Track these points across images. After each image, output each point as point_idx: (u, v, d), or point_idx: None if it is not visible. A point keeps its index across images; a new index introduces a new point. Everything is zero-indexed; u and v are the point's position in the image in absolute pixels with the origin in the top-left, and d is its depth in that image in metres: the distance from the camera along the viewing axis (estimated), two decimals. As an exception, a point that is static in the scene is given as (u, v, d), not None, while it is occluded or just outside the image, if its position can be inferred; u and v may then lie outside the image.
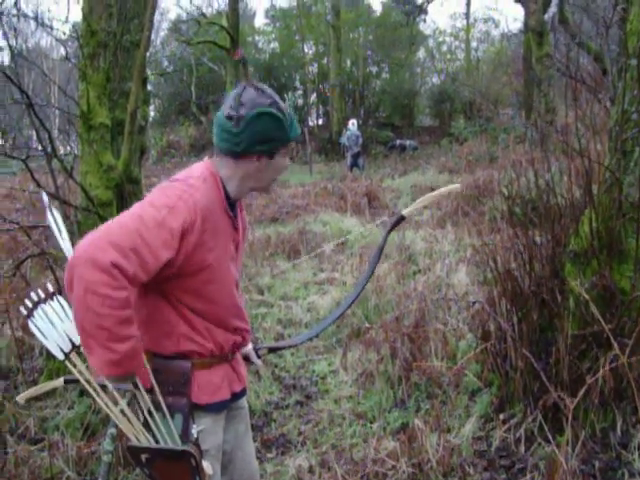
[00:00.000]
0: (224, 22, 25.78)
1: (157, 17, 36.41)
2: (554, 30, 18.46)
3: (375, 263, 2.83)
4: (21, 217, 10.10)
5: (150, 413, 2.18)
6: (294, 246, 9.73)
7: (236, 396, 2.44)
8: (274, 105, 2.24)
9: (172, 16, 43.66)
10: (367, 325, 5.62)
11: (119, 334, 1.97)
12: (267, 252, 9.61)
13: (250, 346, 2.63)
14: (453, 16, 67.97)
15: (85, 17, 5.13)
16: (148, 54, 5.69)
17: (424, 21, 39.29)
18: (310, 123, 35.53)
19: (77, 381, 2.30)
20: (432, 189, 13.86)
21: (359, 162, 21.10)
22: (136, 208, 2.09)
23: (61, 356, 2.24)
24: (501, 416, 3.98)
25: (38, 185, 4.52)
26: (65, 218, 5.24)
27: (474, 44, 40.32)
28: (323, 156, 28.04)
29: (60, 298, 2.29)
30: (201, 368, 2.28)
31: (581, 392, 3.34)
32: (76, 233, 5.10)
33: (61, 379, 2.46)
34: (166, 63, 36.00)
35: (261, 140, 2.24)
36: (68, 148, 7.59)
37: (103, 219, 4.96)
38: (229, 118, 2.22)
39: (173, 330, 2.23)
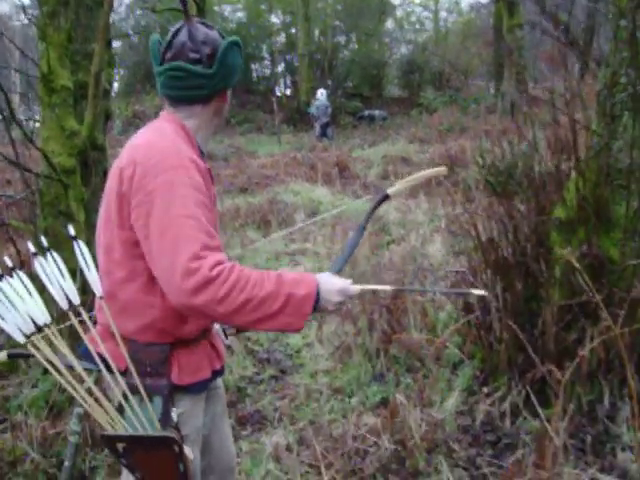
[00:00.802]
0: (190, -11, 25.22)
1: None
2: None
3: (355, 244, 2.64)
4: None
5: (125, 397, 1.99)
6: (264, 216, 9.54)
7: (216, 374, 2.24)
8: (233, 39, 2.13)
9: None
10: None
11: (261, 298, 1.89)
12: (237, 223, 9.41)
13: (217, 325, 2.44)
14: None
15: (44, -27, 4.85)
16: (111, 20, 5.43)
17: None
18: (278, 93, 35.07)
19: (23, 355, 2.09)
20: (403, 159, 13.79)
21: (328, 132, 20.87)
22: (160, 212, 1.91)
23: (22, 339, 2.02)
24: (485, 389, 3.85)
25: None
26: (26, 187, 5.00)
27: (443, 14, 40.12)
28: (291, 126, 27.67)
29: (21, 274, 2.06)
30: (181, 347, 2.08)
31: (572, 365, 3.20)
32: (38, 202, 4.87)
33: (4, 353, 2.23)
34: (131, 32, 35.28)
35: (232, 73, 2.14)
36: (30, 113, 7.27)
37: (66, 187, 4.73)
38: (196, 62, 2.05)
39: (156, 318, 2.02)
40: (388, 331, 4.54)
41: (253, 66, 36.25)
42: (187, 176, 1.91)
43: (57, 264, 1.97)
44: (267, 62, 37.83)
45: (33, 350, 2.01)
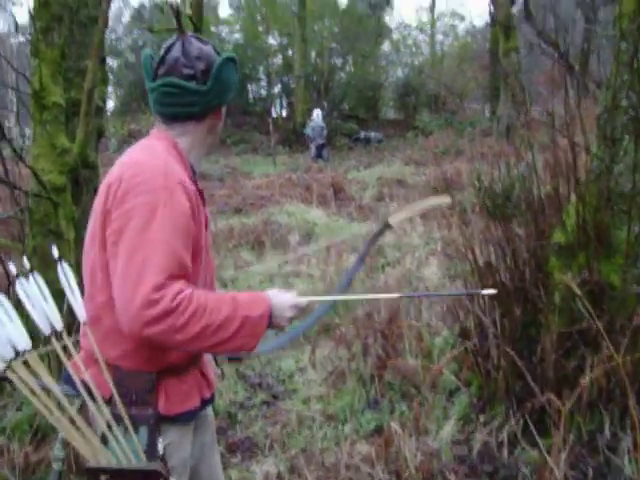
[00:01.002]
0: (187, 10, 25.27)
1: (119, 4, 35.91)
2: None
3: (354, 273, 2.55)
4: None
5: (109, 426, 1.89)
6: (258, 237, 9.45)
7: (205, 403, 2.14)
8: (228, 55, 2.06)
9: (135, 3, 42.96)
10: (337, 321, 5.35)
11: (218, 323, 1.84)
12: (230, 243, 9.31)
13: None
14: (419, 10, 67.99)
15: (38, -12, 4.78)
16: (107, 39, 5.37)
17: (390, 14, 39.31)
18: (274, 114, 35.08)
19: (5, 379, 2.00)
20: (399, 181, 13.73)
21: (323, 154, 20.83)
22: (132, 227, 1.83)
23: (0, 366, 1.91)
24: (481, 418, 3.76)
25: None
26: (15, 205, 4.91)
27: (439, 37, 40.29)
28: (287, 147, 27.64)
29: (0, 297, 1.96)
30: (169, 375, 1.98)
31: (572, 394, 3.11)
32: (27, 220, 4.78)
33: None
34: (128, 51, 35.34)
35: (227, 89, 2.07)
36: (22, 130, 7.18)
37: (56, 205, 4.64)
38: (190, 78, 1.98)
39: (140, 345, 1.90)
40: (383, 356, 4.45)
41: (250, 87, 36.31)
42: (171, 199, 1.83)
43: (39, 286, 1.88)
44: (263, 83, 37.91)
45: (12, 377, 1.91)
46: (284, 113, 36.89)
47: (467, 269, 4.33)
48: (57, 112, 4.79)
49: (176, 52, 1.99)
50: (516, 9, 19.71)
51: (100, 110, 5.33)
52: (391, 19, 43.63)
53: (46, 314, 1.87)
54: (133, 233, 1.79)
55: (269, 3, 35.39)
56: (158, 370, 1.95)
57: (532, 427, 3.39)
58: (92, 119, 4.93)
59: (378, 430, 3.91)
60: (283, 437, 4.03)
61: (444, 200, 2.59)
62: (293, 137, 28.40)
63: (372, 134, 27.05)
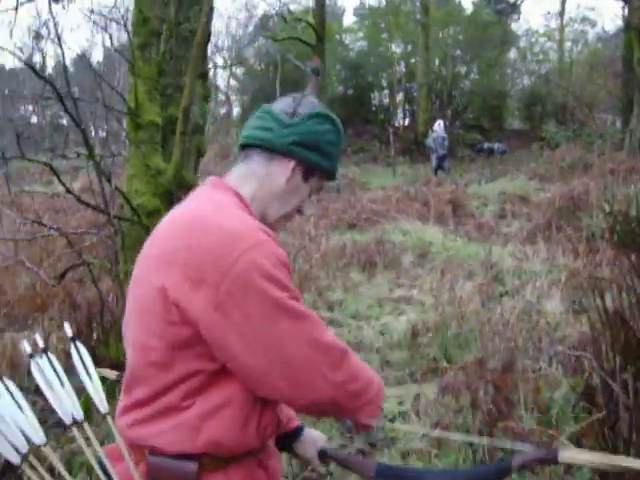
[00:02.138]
0: (310, 19, 25.27)
1: (244, 13, 36.43)
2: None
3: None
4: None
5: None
6: (370, 257, 9.06)
7: None
8: (336, 120, 1.80)
9: (260, 12, 43.59)
10: (445, 365, 4.88)
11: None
12: (341, 262, 8.97)
13: (305, 436, 2.00)
14: (547, 15, 66.04)
15: (137, 3, 4.57)
16: (232, 48, 5.10)
17: (516, 20, 38.25)
18: (395, 123, 34.73)
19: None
20: (521, 198, 13.05)
21: (444, 165, 20.23)
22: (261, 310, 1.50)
23: (17, 459, 1.59)
24: (607, 499, 3.22)
25: (68, 191, 3.97)
26: (111, 227, 4.69)
27: (568, 44, 38.95)
28: (407, 157, 27.23)
29: (9, 384, 1.63)
30: (213, 469, 1.58)
31: None
32: (119, 245, 4.56)
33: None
34: (253, 60, 35.83)
35: (310, 144, 1.72)
36: (116, 150, 7.07)
37: (147, 230, 4.39)
38: (283, 111, 1.72)
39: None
40: (494, 412, 3.95)
41: (372, 95, 36.11)
42: None
43: (54, 367, 1.57)
44: (386, 91, 37.62)
45: (28, 472, 1.59)
46: (406, 122, 36.46)
47: (594, 317, 3.79)
48: (153, 131, 4.58)
49: (292, 96, 1.84)
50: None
51: (200, 128, 5.08)
52: (518, 26, 42.35)
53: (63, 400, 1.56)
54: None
55: (393, 11, 35.19)
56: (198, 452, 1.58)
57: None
58: (190, 138, 4.68)
59: (485, 500, 3.43)
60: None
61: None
62: (414, 147, 27.98)
63: (495, 145, 26.27)
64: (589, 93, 29.23)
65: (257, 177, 1.73)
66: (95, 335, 4.66)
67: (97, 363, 1.72)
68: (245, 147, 1.78)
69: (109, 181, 4.10)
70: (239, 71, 38.55)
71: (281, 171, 1.73)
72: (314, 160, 1.74)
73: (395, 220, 11.79)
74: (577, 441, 3.58)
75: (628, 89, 20.46)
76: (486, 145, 26.63)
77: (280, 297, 1.49)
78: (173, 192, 4.64)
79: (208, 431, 1.53)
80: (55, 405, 1.56)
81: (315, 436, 2.01)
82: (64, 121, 35.73)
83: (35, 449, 1.55)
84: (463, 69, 35.24)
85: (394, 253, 9.26)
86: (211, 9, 4.53)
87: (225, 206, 1.62)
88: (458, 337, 5.50)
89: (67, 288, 5.91)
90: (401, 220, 11.71)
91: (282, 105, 1.76)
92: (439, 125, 20.74)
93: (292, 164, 1.72)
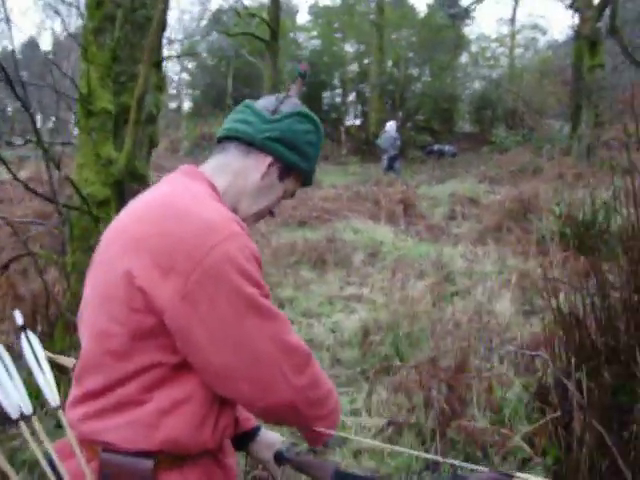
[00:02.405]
0: (265, 15, 25.17)
1: (198, 6, 36.20)
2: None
3: None
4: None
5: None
6: (321, 255, 8.99)
7: None
8: (318, 121, 1.78)
9: (214, 7, 43.27)
10: (398, 363, 4.84)
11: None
12: (292, 259, 8.89)
13: (262, 437, 1.94)
14: (499, 21, 66.83)
15: (92, -15, 4.44)
16: (185, 41, 5.00)
17: (469, 25, 38.64)
18: (347, 123, 34.79)
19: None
20: (471, 200, 13.14)
21: (395, 166, 20.26)
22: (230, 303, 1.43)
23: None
24: (560, 497, 3.22)
25: (15, 179, 3.83)
26: (59, 216, 4.55)
27: (519, 50, 39.49)
28: (359, 157, 27.27)
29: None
30: (169, 467, 1.50)
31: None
32: (67, 235, 4.43)
33: None
34: (205, 54, 35.56)
35: (289, 142, 1.69)
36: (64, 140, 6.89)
37: (97, 220, 4.27)
38: (265, 108, 1.70)
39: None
40: (447, 411, 3.93)
41: (324, 94, 36.13)
42: None
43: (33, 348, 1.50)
44: (338, 91, 37.69)
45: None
46: (357, 122, 36.56)
47: (549, 319, 3.79)
48: (105, 119, 4.44)
49: (276, 95, 1.83)
50: (601, 23, 18.84)
51: (153, 118, 4.95)
52: (470, 30, 42.83)
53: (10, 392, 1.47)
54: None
55: (347, 10, 35.22)
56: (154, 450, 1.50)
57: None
58: (143, 127, 4.56)
59: (437, 500, 3.41)
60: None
61: None
62: (365, 147, 28.04)
63: (446, 147, 26.50)
64: (539, 99, 29.63)
65: (232, 170, 1.68)
66: (40, 328, 4.52)
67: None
68: (223, 140, 1.74)
69: (58, 168, 3.97)
70: (190, 65, 38.26)
71: (257, 166, 1.69)
72: (291, 159, 1.71)
73: (346, 219, 11.75)
74: (530, 440, 3.58)
75: (577, 96, 20.77)
76: (436, 147, 26.84)
77: (251, 293, 1.43)
78: (124, 182, 4.52)
79: (166, 428, 1.46)
80: (1, 398, 1.47)
81: (271, 437, 1.95)
82: (9, 109, 35.01)
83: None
84: (416, 71, 35.47)
85: (345, 251, 9.22)
86: (167, -5, 4.44)
87: (201, 196, 1.56)
88: (410, 336, 5.48)
89: (10, 279, 5.73)
90: (352, 219, 11.67)
91: (265, 102, 1.74)
92: (391, 126, 20.77)
93: (269, 160, 1.69)
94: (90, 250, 4.38)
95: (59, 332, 4.45)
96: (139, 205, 1.58)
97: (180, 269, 1.38)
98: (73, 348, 4.13)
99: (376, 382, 4.66)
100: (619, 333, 3.28)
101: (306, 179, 1.80)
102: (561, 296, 3.75)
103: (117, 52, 4.51)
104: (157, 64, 4.86)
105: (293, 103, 1.74)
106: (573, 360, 3.33)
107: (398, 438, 3.99)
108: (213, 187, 1.63)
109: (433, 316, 5.92)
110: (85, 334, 1.56)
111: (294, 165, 1.72)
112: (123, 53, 4.65)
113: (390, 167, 20.14)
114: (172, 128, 30.78)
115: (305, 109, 1.74)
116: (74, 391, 1.55)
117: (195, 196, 1.54)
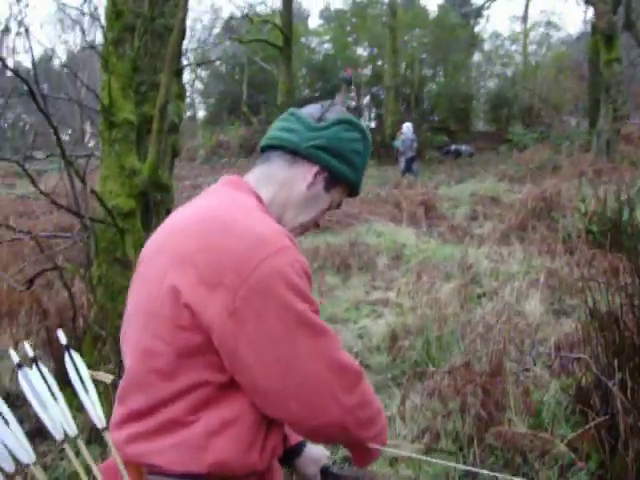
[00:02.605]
0: (277, 21, 25.18)
1: (210, 15, 36.26)
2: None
3: None
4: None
5: None
6: (345, 259, 8.93)
7: None
8: (365, 130, 1.72)
9: (225, 14, 43.35)
10: (431, 368, 4.76)
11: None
12: (315, 265, 8.83)
13: (307, 452, 1.87)
14: (512, 18, 66.64)
15: (110, -4, 4.40)
16: (198, 50, 4.96)
17: (480, 23, 38.53)
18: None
19: None
20: (492, 198, 13.03)
21: (413, 167, 20.17)
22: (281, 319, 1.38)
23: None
24: (605, 503, 3.14)
25: (41, 192, 3.80)
26: (84, 229, 4.52)
27: (532, 47, 39.36)
28: (375, 160, 27.18)
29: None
30: None
31: None
32: (92, 247, 4.39)
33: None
34: (218, 62, 35.65)
35: (335, 150, 1.62)
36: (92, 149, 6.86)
37: (122, 232, 4.23)
38: (311, 115, 1.65)
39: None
40: (484, 416, 3.85)
41: (338, 98, 36.07)
42: None
43: (46, 380, 1.44)
44: (352, 94, 37.62)
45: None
46: (373, 125, 36.47)
47: (584, 318, 3.71)
48: (127, 130, 4.40)
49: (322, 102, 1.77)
50: (616, 17, 18.71)
51: (175, 127, 4.92)
52: (483, 29, 42.73)
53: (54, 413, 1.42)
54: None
55: (359, 14, 35.18)
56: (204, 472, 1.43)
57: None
58: (165, 137, 4.53)
59: (478, 508, 3.34)
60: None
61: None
62: (382, 150, 27.92)
63: (463, 147, 26.41)
64: (555, 96, 29.46)
65: (277, 180, 1.62)
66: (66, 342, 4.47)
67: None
68: (266, 149, 1.67)
69: (83, 181, 3.94)
70: (204, 73, 38.35)
71: (303, 175, 1.62)
72: (338, 168, 1.64)
73: (368, 222, 11.69)
74: (570, 444, 3.49)
75: (595, 91, 20.62)
76: (453, 147, 26.76)
77: (302, 310, 1.37)
78: (148, 193, 4.48)
79: (214, 450, 1.40)
80: (45, 419, 1.42)
81: (317, 452, 1.89)
82: (25, 123, 35.20)
83: (23, 469, 1.41)
84: (430, 72, 35.40)
85: (369, 255, 9.15)
86: (186, 2, 4.39)
87: (248, 208, 1.50)
88: (439, 340, 5.40)
89: (35, 294, 5.71)
90: (374, 222, 11.62)
91: (310, 109, 1.68)
92: (408, 127, 20.70)
93: (315, 169, 1.62)
94: (116, 262, 4.38)
95: (87, 346, 4.40)
96: (182, 218, 1.53)
97: (228, 284, 1.33)
98: (102, 362, 4.09)
99: (409, 388, 4.59)
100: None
101: (353, 189, 1.72)
102: (596, 295, 3.67)
103: (137, 62, 4.48)
104: (178, 72, 4.83)
105: (339, 110, 1.67)
106: (615, 361, 3.25)
107: (434, 444, 3.92)
108: (259, 198, 1.56)
109: (462, 319, 5.83)
110: (128, 352, 1.51)
111: (341, 174, 1.65)
112: (143, 63, 4.62)
113: (408, 169, 20.06)
114: (188, 136, 30.87)
115: (352, 116, 1.68)
116: (118, 410, 1.50)
117: (243, 208, 1.48)
